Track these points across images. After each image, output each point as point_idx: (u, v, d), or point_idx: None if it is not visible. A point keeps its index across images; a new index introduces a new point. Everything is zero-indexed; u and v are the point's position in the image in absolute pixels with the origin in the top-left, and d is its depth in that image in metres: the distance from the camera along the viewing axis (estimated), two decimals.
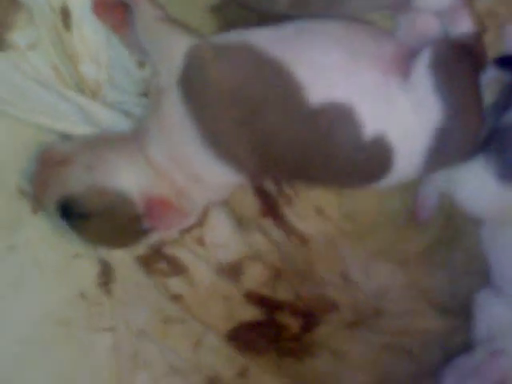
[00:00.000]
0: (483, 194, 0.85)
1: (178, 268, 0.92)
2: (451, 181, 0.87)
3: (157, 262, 0.91)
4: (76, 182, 0.79)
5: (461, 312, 0.93)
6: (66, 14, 0.85)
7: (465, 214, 0.90)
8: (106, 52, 0.86)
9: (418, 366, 0.94)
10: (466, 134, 0.80)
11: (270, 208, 0.93)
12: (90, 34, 0.86)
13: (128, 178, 0.79)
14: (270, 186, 0.93)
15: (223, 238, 0.92)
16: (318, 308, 0.95)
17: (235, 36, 0.78)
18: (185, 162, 0.79)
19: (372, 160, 0.78)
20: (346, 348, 0.95)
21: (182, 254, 0.92)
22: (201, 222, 0.91)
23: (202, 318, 0.93)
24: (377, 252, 0.95)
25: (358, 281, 0.95)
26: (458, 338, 0.93)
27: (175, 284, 0.92)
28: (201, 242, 0.92)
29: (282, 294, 0.94)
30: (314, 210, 0.94)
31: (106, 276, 0.90)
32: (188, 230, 0.91)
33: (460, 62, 0.80)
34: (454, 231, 0.95)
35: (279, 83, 0.75)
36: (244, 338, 0.93)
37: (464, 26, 0.83)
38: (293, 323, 0.94)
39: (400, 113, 0.77)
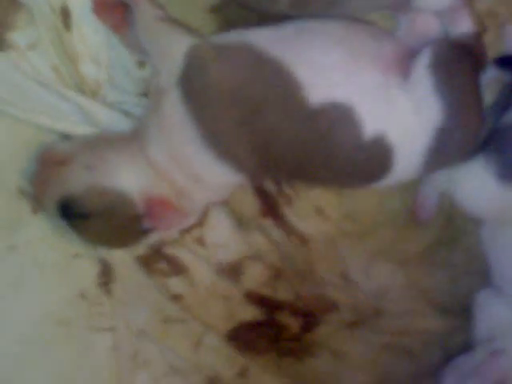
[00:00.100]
0: (483, 193, 0.85)
1: (178, 268, 0.92)
2: (451, 181, 0.87)
3: (157, 261, 0.91)
4: (76, 182, 0.79)
5: (461, 312, 0.93)
6: (66, 14, 0.85)
7: (465, 214, 0.90)
8: (105, 52, 0.87)
9: (417, 365, 0.94)
10: (465, 134, 0.80)
11: (270, 208, 0.93)
12: (90, 34, 0.86)
13: (128, 178, 0.79)
14: (269, 185, 0.93)
15: (223, 237, 0.92)
16: (317, 308, 0.95)
17: (235, 36, 0.78)
18: (185, 162, 0.79)
19: (372, 160, 0.78)
20: (346, 348, 0.95)
21: (182, 254, 0.92)
22: (201, 222, 0.91)
23: (202, 318, 0.92)
24: (377, 252, 0.95)
25: (358, 281, 0.95)
26: (458, 337, 0.93)
27: (175, 284, 0.92)
28: (201, 241, 0.92)
29: (282, 294, 0.94)
30: (313, 209, 0.94)
31: (106, 276, 0.90)
32: (188, 230, 0.91)
33: (460, 61, 0.80)
34: (454, 231, 0.95)
35: (279, 83, 0.75)
36: (244, 337, 0.93)
37: (464, 25, 0.83)
38: (293, 323, 0.94)
39: (400, 113, 0.77)
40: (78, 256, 0.89)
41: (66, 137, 0.86)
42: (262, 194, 0.93)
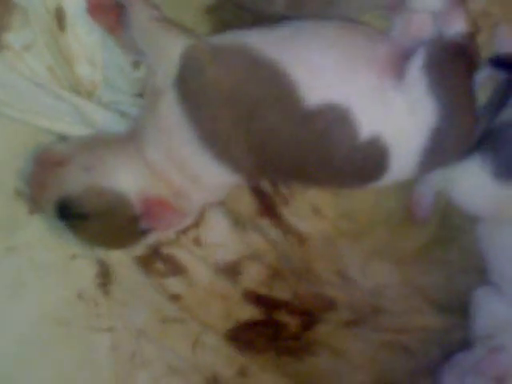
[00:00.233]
0: (479, 192, 0.85)
1: (176, 268, 0.92)
2: (448, 180, 0.87)
3: (155, 262, 0.92)
4: (73, 182, 0.79)
5: (458, 309, 0.94)
6: (60, 16, 0.85)
7: (461, 213, 0.90)
8: (100, 53, 0.86)
9: (416, 363, 0.94)
10: (460, 134, 0.80)
11: (267, 208, 0.93)
12: (85, 35, 0.85)
13: (125, 179, 0.79)
14: (266, 186, 0.93)
15: (221, 237, 0.92)
16: (316, 307, 0.95)
17: (231, 37, 0.78)
18: (182, 163, 0.79)
19: (368, 160, 0.78)
20: (344, 346, 0.95)
21: (181, 254, 0.92)
22: (197, 223, 0.91)
23: (200, 318, 0.93)
24: (373, 251, 0.95)
25: (356, 279, 0.95)
26: (456, 335, 0.94)
27: (174, 284, 0.92)
28: (198, 242, 0.92)
29: (280, 293, 0.94)
30: (310, 209, 0.94)
31: (105, 276, 0.91)
32: (185, 230, 0.91)
33: (453, 62, 0.80)
34: (450, 229, 0.95)
35: (275, 84, 0.75)
36: (243, 337, 0.94)
37: (458, 26, 0.83)
38: (291, 322, 0.95)
39: (395, 114, 0.77)
40: (76, 257, 0.90)
41: (62, 138, 0.86)
42: (258, 193, 0.93)
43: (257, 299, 0.94)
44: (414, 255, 0.95)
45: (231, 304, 0.93)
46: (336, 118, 0.76)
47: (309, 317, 0.95)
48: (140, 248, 0.90)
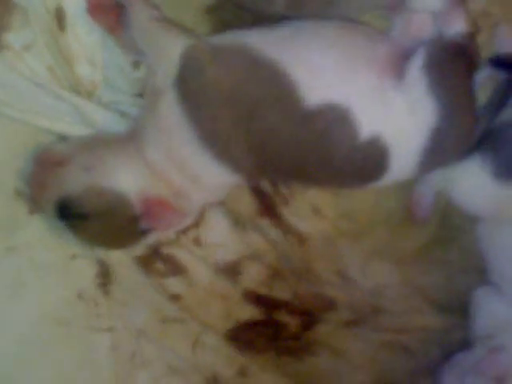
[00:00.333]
0: (479, 192, 0.85)
1: (176, 268, 0.92)
2: (448, 180, 0.87)
3: (155, 262, 0.92)
4: (73, 182, 0.79)
5: (458, 309, 0.94)
6: (60, 15, 0.85)
7: (461, 213, 0.90)
8: (100, 53, 0.86)
9: (416, 363, 0.94)
10: (460, 134, 0.80)
11: (267, 208, 0.93)
12: (85, 35, 0.86)
13: (125, 179, 0.79)
14: (266, 185, 0.93)
15: (221, 237, 0.92)
16: (316, 306, 0.95)
17: (231, 37, 0.78)
18: (182, 163, 0.79)
19: (368, 161, 0.78)
20: (344, 346, 0.95)
21: (181, 255, 0.92)
22: (197, 223, 0.91)
23: (200, 318, 0.93)
24: (373, 251, 0.95)
25: (356, 279, 0.95)
26: (456, 335, 0.94)
27: (174, 284, 0.92)
28: (197, 242, 0.92)
29: (280, 293, 0.94)
30: (310, 209, 0.94)
31: (105, 277, 0.91)
32: (185, 230, 0.91)
33: (453, 62, 0.80)
34: (450, 229, 0.95)
35: (275, 84, 0.75)
36: (243, 337, 0.94)
37: (458, 26, 0.83)
38: (291, 322, 0.95)
39: (395, 114, 0.77)
40: (76, 257, 0.90)
41: (62, 138, 0.86)
42: (258, 193, 0.93)
43: (257, 299, 0.94)
44: (414, 255, 0.95)
45: (231, 304, 0.93)
46: (336, 118, 0.76)
47: (309, 317, 0.95)
48: (140, 248, 0.90)
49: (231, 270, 0.93)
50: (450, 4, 0.83)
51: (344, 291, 0.95)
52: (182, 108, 0.76)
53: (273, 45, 0.76)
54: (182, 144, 0.78)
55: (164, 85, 0.78)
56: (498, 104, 0.85)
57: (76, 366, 0.90)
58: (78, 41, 0.85)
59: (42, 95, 0.86)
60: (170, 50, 0.78)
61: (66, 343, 0.90)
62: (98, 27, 0.85)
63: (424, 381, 0.93)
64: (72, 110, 0.86)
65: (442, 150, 0.80)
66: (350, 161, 0.78)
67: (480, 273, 0.92)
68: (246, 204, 0.93)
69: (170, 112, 0.77)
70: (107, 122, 0.86)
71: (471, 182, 0.85)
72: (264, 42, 0.77)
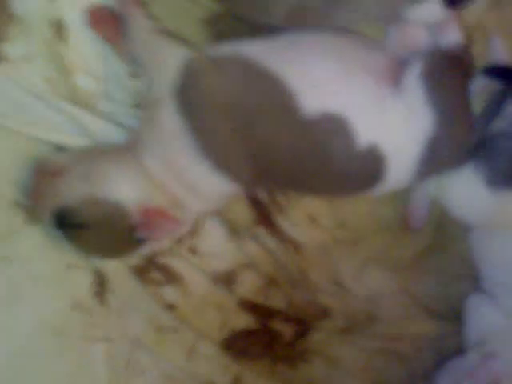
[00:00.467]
0: (473, 200, 0.87)
1: (172, 277, 0.92)
2: (442, 188, 0.88)
3: (151, 271, 0.92)
4: (72, 193, 0.79)
5: (452, 316, 0.95)
6: (59, 26, 0.85)
7: (455, 221, 0.91)
8: (99, 63, 0.87)
9: (410, 370, 0.95)
10: (456, 142, 0.81)
11: (264, 216, 0.94)
12: (84, 46, 0.86)
13: (123, 189, 0.79)
14: (262, 194, 0.94)
15: (217, 246, 0.93)
16: (310, 315, 0.95)
17: (230, 48, 0.79)
18: (180, 172, 0.79)
19: (365, 169, 0.79)
20: (339, 354, 0.95)
21: (176, 264, 0.92)
22: (193, 232, 0.91)
23: (196, 327, 0.93)
24: (369, 259, 0.96)
25: (351, 287, 0.96)
26: (450, 341, 0.94)
27: (169, 293, 0.92)
28: (193, 251, 0.92)
29: (276, 301, 0.95)
30: (306, 217, 0.95)
31: (101, 286, 0.90)
32: (180, 239, 0.91)
33: (450, 71, 0.81)
34: (445, 238, 0.96)
35: (274, 95, 0.76)
36: (238, 345, 0.94)
37: (453, 37, 0.85)
38: (286, 330, 0.95)
39: (392, 122, 0.78)
40: (72, 266, 0.89)
41: (60, 148, 0.86)
42: (255, 202, 0.93)
43: (252, 308, 0.94)
44: (409, 263, 0.96)
45: (227, 313, 0.93)
46: (333, 128, 0.77)
47: (304, 325, 0.95)
48: (136, 257, 0.89)
49: (227, 279, 0.93)
50: (446, 16, 0.84)
51: (339, 299, 0.95)
52: (180, 118, 0.77)
53: (271, 55, 0.77)
54: (180, 154, 0.78)
55: (163, 95, 0.78)
56: (491, 113, 0.86)
57: (72, 375, 0.89)
58: (77, 52, 0.86)
59: (41, 106, 0.86)
60: (169, 61, 0.78)
61: (61, 353, 0.89)
62: (98, 38, 0.85)
63: None
64: (70, 120, 0.86)
65: (438, 159, 0.81)
66: (347, 170, 0.79)
67: (474, 280, 0.93)
68: (243, 213, 0.93)
69: (169, 122, 0.78)
70: (106, 132, 0.86)
71: (465, 190, 0.86)
72: (263, 53, 0.77)
